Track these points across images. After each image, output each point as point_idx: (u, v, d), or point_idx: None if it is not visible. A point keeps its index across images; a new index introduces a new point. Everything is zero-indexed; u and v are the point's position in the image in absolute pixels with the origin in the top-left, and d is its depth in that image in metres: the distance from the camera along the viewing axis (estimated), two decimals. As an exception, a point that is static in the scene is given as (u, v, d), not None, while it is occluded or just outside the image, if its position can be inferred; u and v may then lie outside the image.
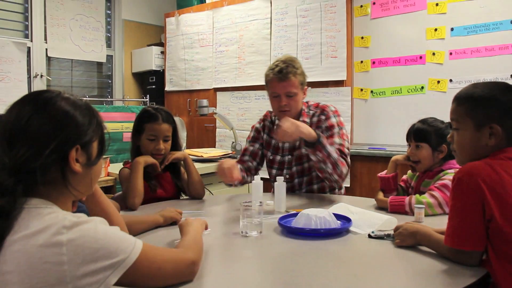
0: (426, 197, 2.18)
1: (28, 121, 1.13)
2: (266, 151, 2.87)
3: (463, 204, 1.45)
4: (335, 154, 2.44)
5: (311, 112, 2.77)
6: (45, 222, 1.06)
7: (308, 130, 2.36)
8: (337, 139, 2.60)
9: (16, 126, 1.12)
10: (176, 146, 2.67)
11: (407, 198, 2.23)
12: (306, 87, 2.72)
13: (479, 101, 1.58)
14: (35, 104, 1.16)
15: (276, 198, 2.34)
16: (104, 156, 3.59)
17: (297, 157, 2.74)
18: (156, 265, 1.20)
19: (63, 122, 1.16)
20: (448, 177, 2.23)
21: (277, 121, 2.80)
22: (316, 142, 2.38)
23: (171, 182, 2.70)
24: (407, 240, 1.69)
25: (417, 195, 2.22)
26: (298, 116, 2.74)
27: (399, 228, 1.74)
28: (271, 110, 2.85)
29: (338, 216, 2.01)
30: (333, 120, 2.68)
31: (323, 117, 2.71)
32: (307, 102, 2.82)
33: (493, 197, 1.39)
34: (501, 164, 1.46)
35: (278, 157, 2.81)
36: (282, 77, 2.59)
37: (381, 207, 2.34)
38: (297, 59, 2.73)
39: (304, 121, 2.69)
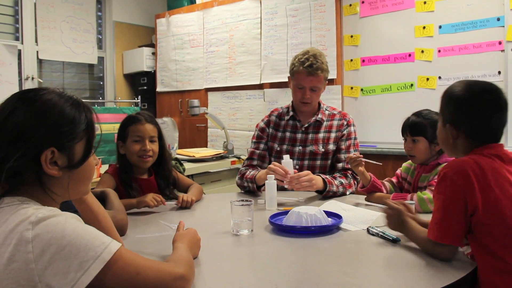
0: (427, 193, 2.19)
1: (3, 122, 1.10)
2: (273, 143, 2.90)
3: (447, 198, 1.47)
4: (341, 188, 2.62)
5: (327, 112, 2.90)
6: (16, 219, 1.02)
7: (319, 184, 2.53)
8: (352, 150, 2.80)
9: None
10: (163, 150, 2.56)
11: (409, 196, 2.24)
12: (327, 81, 2.85)
13: (446, 99, 1.66)
14: (14, 104, 1.13)
15: (267, 197, 2.36)
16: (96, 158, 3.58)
17: (311, 153, 2.80)
18: (134, 269, 1.08)
19: (36, 123, 1.10)
20: None
21: (291, 112, 2.89)
22: (324, 190, 2.57)
23: (155, 188, 2.55)
24: (393, 226, 1.74)
25: (419, 193, 2.22)
26: (314, 110, 2.89)
27: (393, 209, 1.74)
28: (280, 106, 3.04)
29: (329, 213, 2.02)
30: (352, 129, 2.87)
31: (345, 123, 2.85)
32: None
33: (477, 191, 1.42)
34: (486, 161, 1.49)
35: (285, 146, 2.86)
36: (312, 72, 2.70)
37: (376, 203, 2.36)
38: (323, 53, 2.84)
39: (321, 119, 2.85)
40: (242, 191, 2.80)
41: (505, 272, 1.39)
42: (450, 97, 1.64)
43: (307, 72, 2.69)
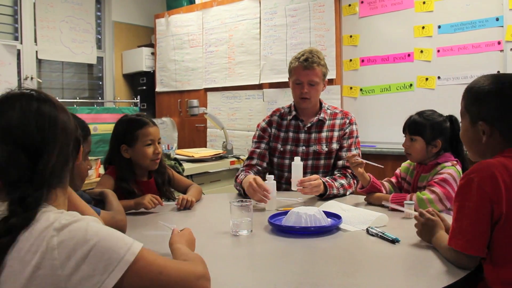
0: (426, 193, 2.19)
1: (49, 127, 1.10)
2: (276, 144, 2.88)
3: (474, 206, 1.38)
4: (341, 190, 2.61)
5: (329, 111, 2.90)
6: (40, 225, 1.02)
7: (322, 188, 2.50)
8: (353, 148, 2.80)
9: (36, 138, 1.08)
10: None
11: (408, 196, 2.23)
12: (326, 79, 2.86)
13: (475, 95, 1.54)
14: (42, 105, 1.12)
15: None
16: (94, 158, 3.58)
17: (315, 152, 2.80)
18: (157, 268, 1.08)
19: (70, 118, 1.18)
20: (446, 170, 2.24)
21: (294, 112, 2.89)
22: (324, 193, 2.53)
23: (154, 190, 2.55)
24: (425, 236, 1.67)
25: (418, 193, 2.22)
26: (316, 109, 2.89)
27: (429, 219, 1.67)
28: (278, 106, 3.00)
29: (329, 214, 2.02)
30: (354, 128, 2.88)
31: (347, 121, 2.86)
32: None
33: (504, 199, 1.34)
34: None
35: (288, 147, 2.85)
36: (307, 66, 2.72)
37: (376, 204, 2.36)
38: (320, 51, 2.86)
39: (324, 118, 2.85)
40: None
41: None
42: (478, 92, 1.52)
43: (303, 66, 2.72)
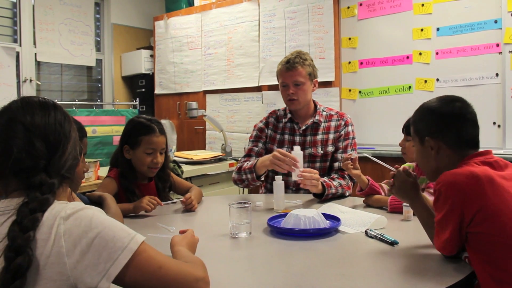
0: (425, 196, 2.18)
1: (65, 127, 1.19)
2: (272, 145, 2.89)
3: (444, 215, 1.46)
4: (340, 189, 2.64)
5: (325, 113, 2.91)
6: (49, 215, 1.04)
7: (320, 186, 2.52)
8: (349, 150, 2.81)
9: (57, 131, 1.16)
10: (165, 156, 2.56)
11: None
12: (316, 79, 2.86)
13: (420, 114, 1.69)
14: (58, 110, 1.20)
15: (275, 197, 2.36)
16: (93, 160, 3.60)
17: (310, 155, 2.80)
18: (157, 263, 1.10)
19: (68, 123, 1.22)
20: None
21: (289, 115, 2.90)
22: (323, 194, 2.54)
23: (154, 192, 2.55)
24: (401, 193, 1.78)
25: None
26: (311, 111, 2.90)
27: (407, 178, 1.76)
28: (277, 108, 3.04)
29: (327, 216, 2.02)
30: (350, 129, 2.88)
31: (342, 123, 2.86)
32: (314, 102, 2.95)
33: (473, 201, 1.40)
34: (480, 169, 1.46)
35: (284, 149, 2.81)
36: (289, 67, 2.76)
37: (375, 206, 2.36)
38: (307, 52, 2.89)
39: (319, 120, 2.85)
40: (241, 186, 2.80)
41: (504, 282, 1.35)
42: (422, 111, 1.68)
43: (286, 68, 2.77)
